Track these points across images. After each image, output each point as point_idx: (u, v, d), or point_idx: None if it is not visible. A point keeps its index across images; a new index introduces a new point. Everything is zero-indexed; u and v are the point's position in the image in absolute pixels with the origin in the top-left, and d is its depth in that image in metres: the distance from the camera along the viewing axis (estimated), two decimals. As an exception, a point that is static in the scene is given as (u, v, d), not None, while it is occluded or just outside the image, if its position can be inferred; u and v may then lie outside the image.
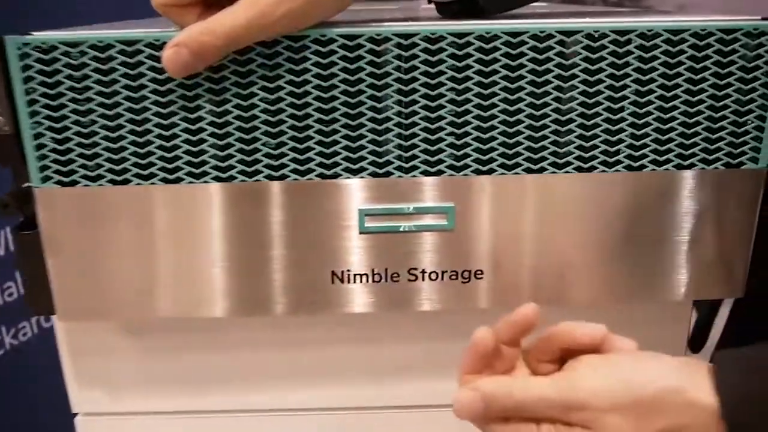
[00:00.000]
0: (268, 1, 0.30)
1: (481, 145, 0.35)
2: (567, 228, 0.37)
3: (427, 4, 0.39)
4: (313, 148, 0.35)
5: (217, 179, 0.35)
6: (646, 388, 0.30)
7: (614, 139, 0.35)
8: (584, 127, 0.35)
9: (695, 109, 0.35)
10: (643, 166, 0.36)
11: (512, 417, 0.31)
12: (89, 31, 0.33)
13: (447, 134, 0.35)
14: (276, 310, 0.37)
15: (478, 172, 0.36)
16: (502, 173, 0.36)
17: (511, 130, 0.35)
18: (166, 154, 0.34)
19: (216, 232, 0.36)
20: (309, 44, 0.33)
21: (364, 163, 0.35)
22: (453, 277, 0.37)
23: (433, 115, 0.35)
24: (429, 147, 0.35)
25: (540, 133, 0.35)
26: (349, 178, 0.35)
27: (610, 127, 0.35)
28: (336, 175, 0.35)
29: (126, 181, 0.35)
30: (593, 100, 0.35)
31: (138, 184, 0.35)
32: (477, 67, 0.34)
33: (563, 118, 0.35)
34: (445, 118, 0.35)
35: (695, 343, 0.45)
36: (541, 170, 0.36)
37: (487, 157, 0.35)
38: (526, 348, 0.34)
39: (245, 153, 0.35)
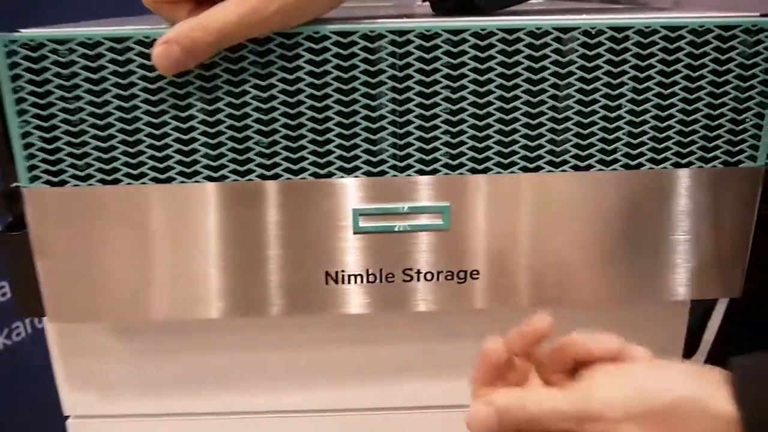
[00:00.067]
0: None
1: (476, 144, 0.35)
2: (564, 227, 0.36)
3: (422, 2, 0.39)
4: (307, 147, 0.34)
5: (209, 179, 0.34)
6: (661, 397, 0.29)
7: (611, 137, 0.35)
8: (581, 125, 0.35)
9: (693, 106, 0.35)
10: (640, 165, 0.36)
11: (526, 430, 0.31)
12: (78, 29, 0.32)
13: (442, 132, 0.35)
14: (270, 311, 0.37)
15: (473, 170, 0.35)
16: (498, 172, 0.35)
17: (507, 129, 0.35)
18: (156, 153, 0.34)
19: (208, 232, 0.35)
20: (302, 41, 0.32)
21: (358, 162, 0.35)
22: (449, 277, 0.37)
23: (428, 113, 0.34)
24: (424, 145, 0.35)
25: (536, 132, 0.35)
26: (343, 177, 0.35)
27: (607, 125, 0.35)
28: (330, 175, 0.35)
29: (116, 181, 0.34)
30: (590, 97, 0.34)
31: (128, 183, 0.34)
32: (472, 64, 0.33)
33: (560, 116, 0.35)
34: (440, 116, 0.34)
35: (688, 348, 0.45)
36: (538, 169, 0.35)
37: (482, 155, 0.35)
38: (538, 358, 0.33)
39: (237, 152, 0.34)
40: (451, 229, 0.36)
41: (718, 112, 0.35)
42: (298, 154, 0.34)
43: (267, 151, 0.34)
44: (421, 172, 0.35)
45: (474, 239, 0.36)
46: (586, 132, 0.35)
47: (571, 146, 0.35)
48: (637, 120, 0.35)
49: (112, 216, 0.35)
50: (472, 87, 0.34)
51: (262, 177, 0.35)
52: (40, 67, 0.32)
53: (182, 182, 0.34)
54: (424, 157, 0.35)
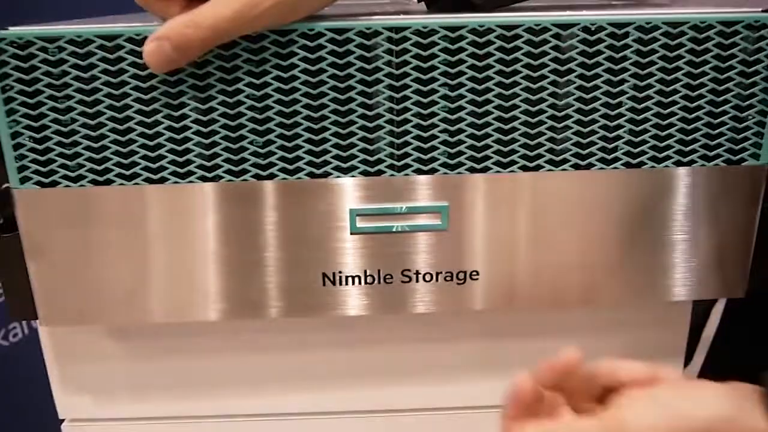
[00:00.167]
0: None
1: (475, 143, 0.34)
2: (564, 227, 0.36)
3: (418, 1, 0.38)
4: (302, 146, 0.34)
5: (203, 179, 0.34)
6: (696, 419, 0.29)
7: (612, 135, 0.35)
8: (581, 123, 0.34)
9: (695, 104, 0.34)
10: (641, 163, 0.35)
11: None
12: (67, 26, 0.31)
13: (440, 131, 0.34)
14: (268, 313, 0.36)
15: (472, 170, 0.35)
16: (497, 171, 0.35)
17: (506, 127, 0.34)
18: (149, 153, 0.33)
19: (203, 233, 0.35)
20: (296, 38, 0.32)
21: (354, 162, 0.34)
22: (448, 278, 0.36)
23: (425, 112, 0.34)
24: (422, 144, 0.34)
25: (536, 130, 0.34)
26: (339, 177, 0.34)
27: (607, 123, 0.34)
28: (326, 174, 0.34)
29: (108, 182, 0.34)
30: (590, 95, 0.34)
31: (121, 184, 0.34)
32: (470, 61, 0.33)
33: (559, 115, 0.34)
34: (438, 114, 0.34)
35: (688, 347, 0.44)
36: (537, 168, 0.35)
37: (481, 154, 0.34)
38: (567, 388, 0.33)
39: (231, 151, 0.34)
40: (449, 229, 0.35)
41: (720, 109, 0.34)
42: (294, 154, 0.34)
43: (262, 151, 0.34)
44: (419, 172, 0.35)
45: (473, 239, 0.36)
46: (586, 130, 0.34)
47: (572, 144, 0.35)
48: (638, 118, 0.34)
49: (106, 217, 0.34)
50: (470, 85, 0.33)
51: (257, 177, 0.34)
52: (29, 65, 0.31)
53: (176, 182, 0.34)
54: (422, 156, 0.34)
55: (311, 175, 0.34)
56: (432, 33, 0.32)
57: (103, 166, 0.33)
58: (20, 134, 0.32)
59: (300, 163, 0.34)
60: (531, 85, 0.33)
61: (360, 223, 0.35)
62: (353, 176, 0.34)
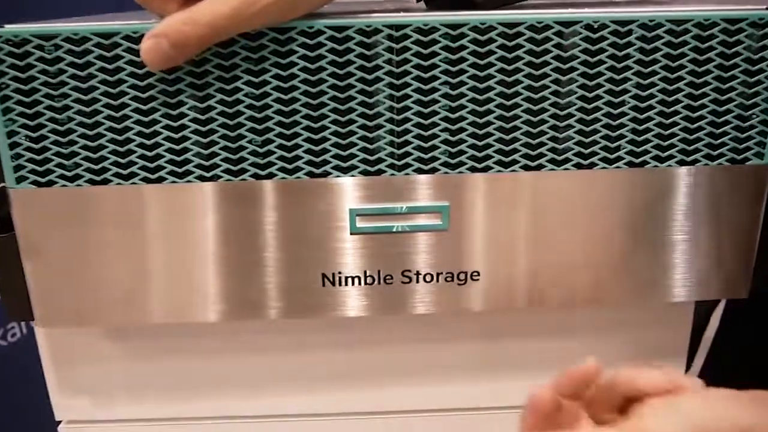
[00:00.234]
0: None
1: (476, 142, 0.34)
2: (566, 227, 0.36)
3: (417, 1, 0.38)
4: (301, 146, 0.33)
5: (201, 178, 0.34)
6: (720, 428, 0.28)
7: (614, 134, 0.34)
8: (583, 122, 0.34)
9: (698, 102, 0.34)
10: (644, 163, 0.35)
11: None
12: (64, 24, 0.31)
13: (441, 130, 0.34)
14: (267, 314, 0.36)
15: (473, 169, 0.34)
16: (499, 170, 0.34)
17: (507, 126, 0.34)
18: (146, 152, 0.33)
19: (202, 232, 0.34)
20: (296, 36, 0.31)
21: (354, 161, 0.34)
22: (448, 278, 0.36)
23: (426, 110, 0.33)
24: (422, 143, 0.34)
25: (537, 129, 0.34)
26: (339, 176, 0.34)
27: (610, 121, 0.34)
28: (325, 174, 0.34)
29: (106, 181, 0.33)
30: (593, 93, 0.33)
31: (118, 183, 0.33)
32: (472, 59, 0.32)
33: (562, 113, 0.34)
34: (438, 113, 0.33)
35: (690, 348, 0.44)
36: (539, 167, 0.34)
37: (482, 153, 0.34)
38: (587, 398, 0.32)
39: (230, 151, 0.33)
40: (450, 229, 0.35)
41: (724, 108, 0.34)
42: (293, 153, 0.33)
43: (260, 150, 0.33)
44: (419, 171, 0.34)
45: (474, 239, 0.35)
46: (588, 129, 0.34)
47: (574, 144, 0.34)
48: (641, 116, 0.34)
49: (103, 217, 0.34)
50: (471, 83, 0.33)
51: (256, 176, 0.34)
52: (25, 63, 0.31)
53: (173, 182, 0.33)
54: (422, 155, 0.34)
55: (311, 174, 0.34)
56: (433, 31, 0.32)
57: (100, 166, 0.33)
58: (16, 133, 0.32)
59: (299, 163, 0.34)
60: (533, 84, 0.33)
61: (360, 223, 0.35)
62: (353, 176, 0.34)
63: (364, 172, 0.34)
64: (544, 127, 0.34)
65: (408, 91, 0.33)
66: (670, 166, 0.35)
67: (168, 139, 0.33)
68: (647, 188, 0.35)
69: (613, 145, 0.34)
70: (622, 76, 0.33)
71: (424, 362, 0.42)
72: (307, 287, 0.36)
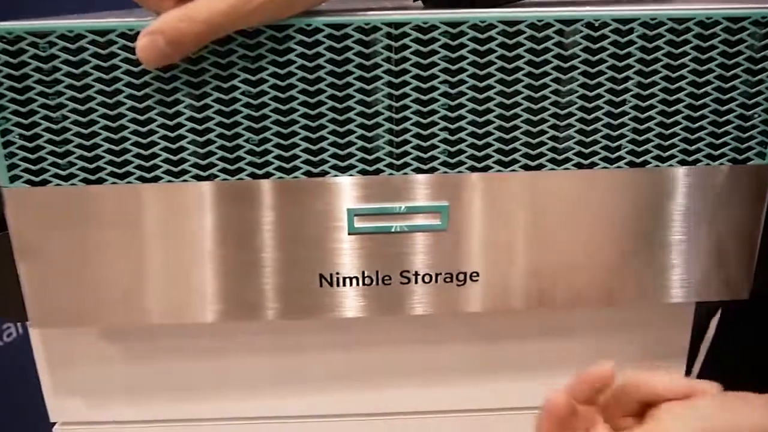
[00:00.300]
0: None
1: (476, 141, 0.34)
2: (566, 227, 0.35)
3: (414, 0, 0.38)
4: (299, 145, 0.33)
5: (198, 177, 0.33)
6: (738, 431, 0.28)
7: (615, 134, 0.34)
8: (584, 122, 0.34)
9: (700, 102, 0.34)
10: (645, 162, 0.35)
11: None
12: (58, 21, 0.31)
13: (440, 129, 0.33)
14: (264, 315, 0.36)
15: (472, 169, 0.34)
16: (499, 170, 0.34)
17: (507, 125, 0.33)
18: (142, 151, 0.33)
19: (198, 232, 0.34)
20: (293, 34, 0.31)
21: (353, 160, 0.33)
22: (447, 279, 0.36)
23: (425, 109, 0.33)
24: (421, 143, 0.33)
25: (538, 128, 0.34)
26: (337, 176, 0.34)
27: (611, 121, 0.34)
28: (323, 173, 0.34)
29: (101, 180, 0.33)
30: (594, 92, 0.33)
31: (113, 183, 0.33)
32: (471, 58, 0.32)
33: (562, 112, 0.33)
34: (438, 112, 0.33)
35: (690, 349, 0.44)
36: (539, 167, 0.34)
37: (482, 153, 0.34)
38: (602, 403, 0.32)
39: (227, 150, 0.33)
40: (449, 229, 0.35)
41: (726, 107, 0.34)
42: (291, 152, 0.33)
43: (258, 149, 0.33)
44: (418, 171, 0.34)
45: (473, 240, 0.35)
46: (589, 129, 0.34)
47: (574, 143, 0.34)
48: (642, 116, 0.34)
49: (98, 216, 0.33)
50: (471, 82, 0.32)
51: (253, 176, 0.33)
52: (18, 61, 0.31)
53: (170, 181, 0.33)
54: (421, 154, 0.34)
55: (308, 173, 0.34)
56: (432, 29, 0.31)
57: (95, 165, 0.33)
58: (10, 131, 0.32)
59: (297, 162, 0.33)
60: (533, 83, 0.33)
61: (358, 223, 0.34)
62: (351, 175, 0.34)
63: (363, 172, 0.34)
64: (544, 127, 0.34)
65: (407, 89, 0.32)
66: (671, 166, 0.35)
67: (164, 137, 0.32)
68: (648, 188, 0.35)
69: (613, 145, 0.34)
70: (623, 75, 0.33)
71: (422, 363, 0.42)
72: (304, 288, 0.35)
